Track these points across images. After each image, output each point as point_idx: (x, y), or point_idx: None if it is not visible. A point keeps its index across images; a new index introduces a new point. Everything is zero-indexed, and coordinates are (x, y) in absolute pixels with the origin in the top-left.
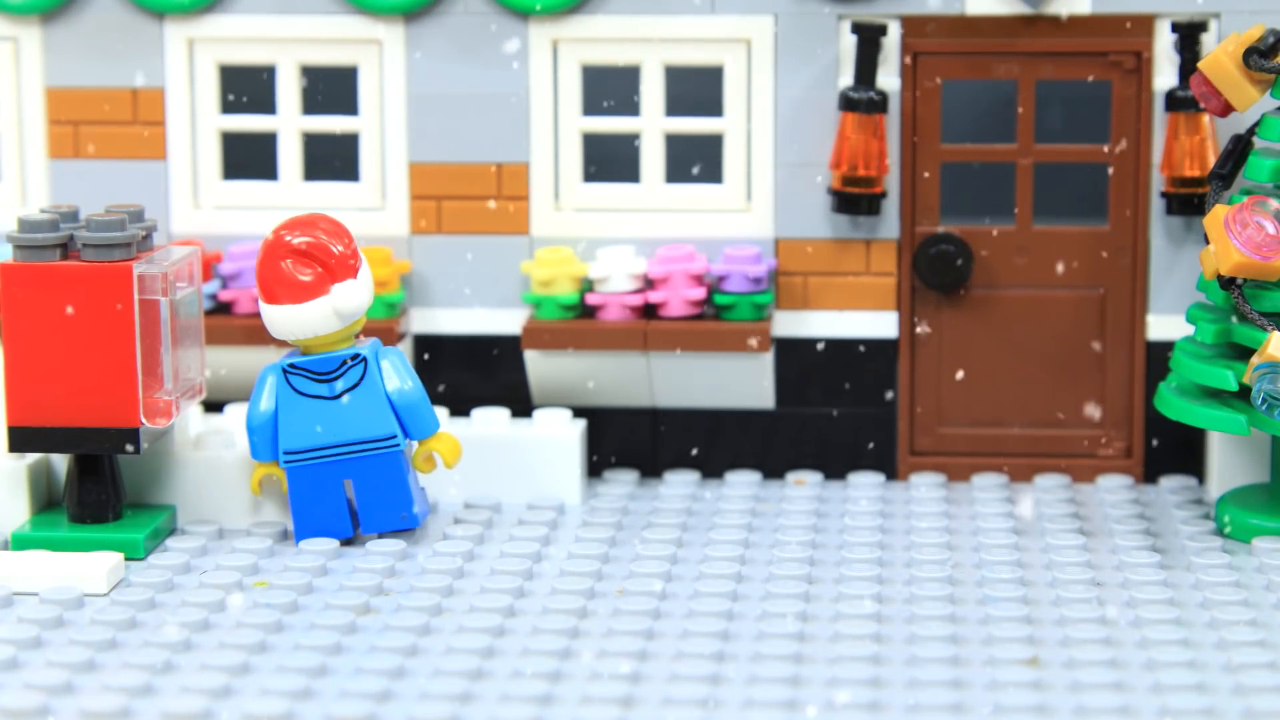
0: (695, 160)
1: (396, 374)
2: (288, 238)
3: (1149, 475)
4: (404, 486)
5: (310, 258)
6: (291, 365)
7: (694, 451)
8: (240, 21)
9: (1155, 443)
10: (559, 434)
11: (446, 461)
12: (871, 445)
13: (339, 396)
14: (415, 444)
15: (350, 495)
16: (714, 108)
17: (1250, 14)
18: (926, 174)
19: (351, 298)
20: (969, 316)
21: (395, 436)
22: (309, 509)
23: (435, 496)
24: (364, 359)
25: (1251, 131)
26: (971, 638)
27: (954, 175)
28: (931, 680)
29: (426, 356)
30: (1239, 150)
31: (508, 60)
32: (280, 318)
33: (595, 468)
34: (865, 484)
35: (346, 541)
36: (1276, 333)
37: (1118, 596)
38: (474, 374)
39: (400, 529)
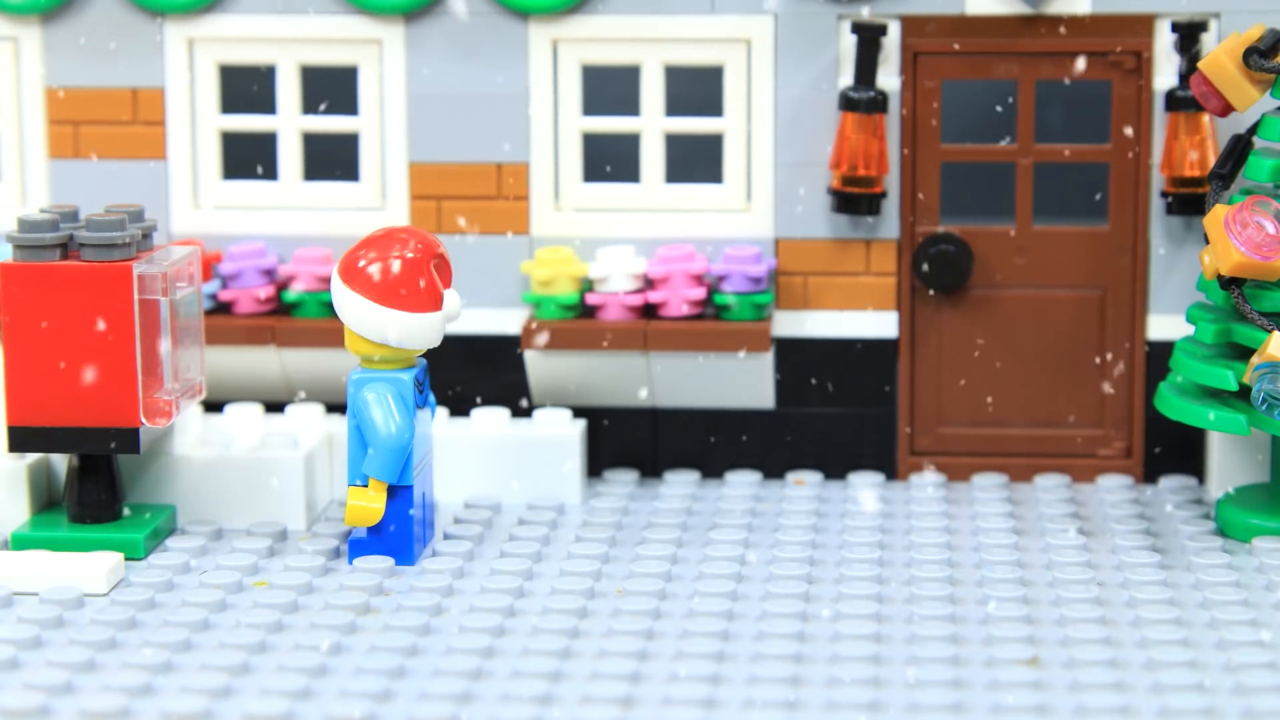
0: (696, 160)
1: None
2: (419, 246)
3: (1149, 475)
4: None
5: (445, 267)
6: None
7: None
8: (240, 21)
9: (1157, 449)
10: (559, 434)
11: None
12: (871, 445)
13: (420, 409)
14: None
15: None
16: (714, 108)
17: (1250, 14)
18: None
19: (455, 302)
20: (969, 316)
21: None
22: (414, 527)
23: (435, 496)
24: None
25: (1251, 131)
26: (971, 638)
27: (954, 175)
28: (931, 680)
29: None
30: (1239, 150)
31: (507, 60)
32: (422, 326)
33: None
34: (865, 484)
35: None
36: (1276, 333)
37: (1118, 596)
38: (474, 374)
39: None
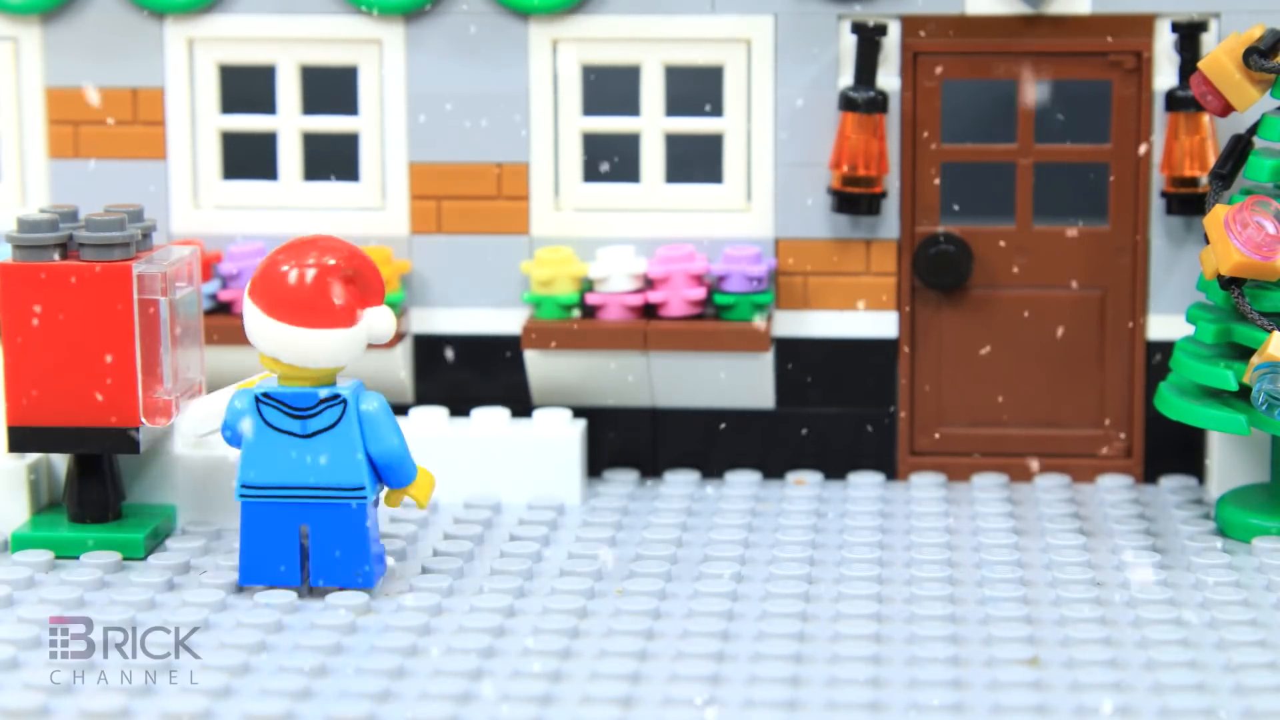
0: (695, 160)
1: (380, 427)
2: (330, 259)
3: (1149, 475)
4: (364, 542)
5: (354, 280)
6: (265, 395)
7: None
8: (240, 21)
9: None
10: (559, 434)
11: (420, 502)
12: (871, 445)
13: (310, 436)
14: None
15: (305, 542)
16: (714, 108)
17: (1250, 14)
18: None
19: (384, 323)
20: (969, 316)
21: (363, 488)
22: (259, 550)
23: (435, 496)
24: (344, 401)
25: (1251, 131)
26: (971, 638)
27: (954, 175)
28: (931, 680)
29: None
30: (1239, 150)
31: (507, 60)
32: (317, 344)
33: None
34: (865, 484)
35: (297, 591)
36: (1277, 333)
37: (1118, 596)
38: (474, 374)
39: (352, 586)
